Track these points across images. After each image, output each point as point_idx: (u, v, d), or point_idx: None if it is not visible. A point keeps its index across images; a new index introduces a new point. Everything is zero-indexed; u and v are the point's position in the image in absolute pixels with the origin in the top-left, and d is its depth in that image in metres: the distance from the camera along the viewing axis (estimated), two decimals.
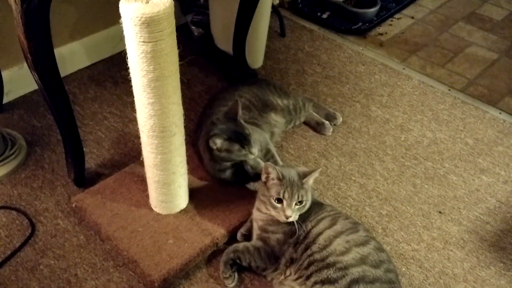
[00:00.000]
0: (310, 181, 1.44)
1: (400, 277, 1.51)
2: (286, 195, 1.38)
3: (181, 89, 1.38)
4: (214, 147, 1.60)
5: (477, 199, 1.78)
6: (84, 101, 2.07)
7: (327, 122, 2.01)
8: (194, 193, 1.66)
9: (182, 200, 1.61)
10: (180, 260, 1.46)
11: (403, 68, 2.39)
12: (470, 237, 1.66)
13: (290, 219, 1.39)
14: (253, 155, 1.61)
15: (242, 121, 1.64)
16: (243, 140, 1.59)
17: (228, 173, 1.68)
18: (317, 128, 2.01)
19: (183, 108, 1.43)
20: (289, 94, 2.01)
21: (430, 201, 1.76)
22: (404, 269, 1.55)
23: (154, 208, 1.61)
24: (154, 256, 1.46)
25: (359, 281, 1.28)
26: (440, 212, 1.73)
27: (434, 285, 1.51)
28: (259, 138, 1.70)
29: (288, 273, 1.41)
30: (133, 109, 1.40)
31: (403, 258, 1.58)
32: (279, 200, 1.40)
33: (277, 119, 1.92)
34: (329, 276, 1.31)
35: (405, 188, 1.80)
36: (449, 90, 2.28)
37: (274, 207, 1.40)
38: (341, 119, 2.04)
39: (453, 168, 1.89)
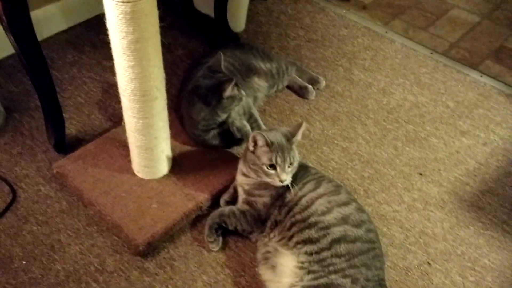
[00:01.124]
0: (298, 137, 1.44)
1: (381, 237, 1.54)
2: (279, 160, 1.38)
3: (162, 52, 1.36)
4: (228, 95, 1.59)
5: (457, 161, 1.81)
6: (62, 66, 2.03)
7: (310, 86, 2.00)
8: (177, 158, 1.66)
9: (165, 165, 1.60)
10: (164, 224, 1.47)
11: (386, 32, 2.38)
12: (450, 198, 1.69)
13: (286, 182, 1.40)
14: (245, 96, 1.65)
15: (226, 72, 1.64)
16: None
17: (212, 136, 1.67)
18: (300, 92, 2.00)
19: (165, 72, 1.41)
20: (272, 58, 1.99)
21: (411, 163, 1.79)
22: (385, 229, 1.58)
23: (137, 173, 1.60)
24: (138, 221, 1.46)
25: (341, 240, 1.30)
26: (420, 174, 1.76)
27: (415, 244, 1.55)
28: (242, 102, 1.69)
29: (272, 235, 1.42)
30: (113, 74, 1.37)
31: (384, 219, 1.61)
32: (272, 166, 1.40)
33: (260, 83, 1.90)
34: (311, 236, 1.33)
35: (387, 151, 1.82)
36: (431, 53, 2.28)
37: (268, 174, 1.40)
38: (324, 83, 2.03)
39: (434, 130, 1.91)
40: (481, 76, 2.18)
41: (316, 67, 2.15)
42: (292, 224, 1.37)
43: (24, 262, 1.41)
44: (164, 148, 1.56)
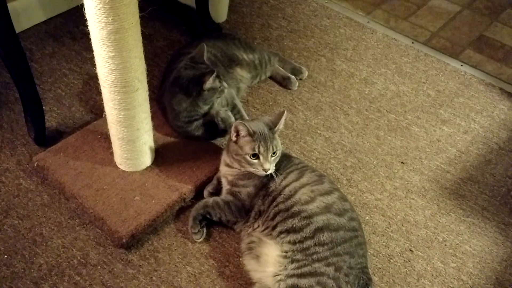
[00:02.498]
0: (280, 126, 1.43)
1: (364, 226, 1.56)
2: (262, 149, 1.38)
3: (143, 43, 1.34)
4: (208, 86, 1.58)
5: (438, 149, 1.83)
6: (41, 58, 1.99)
7: (293, 76, 2.00)
8: (160, 150, 1.65)
9: (147, 157, 1.59)
10: (148, 216, 1.46)
11: (368, 22, 2.38)
12: (431, 185, 1.71)
13: (269, 172, 1.40)
14: (227, 88, 1.65)
15: (208, 63, 1.64)
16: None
17: (194, 127, 1.67)
18: (283, 82, 2.00)
19: (146, 64, 1.40)
20: (254, 48, 1.98)
21: (393, 152, 1.80)
22: (367, 217, 1.59)
23: (119, 166, 1.59)
24: (121, 213, 1.46)
25: (324, 229, 1.31)
26: (402, 162, 1.77)
27: (397, 232, 1.56)
28: (224, 93, 1.68)
29: (256, 225, 1.43)
30: (94, 65, 1.36)
31: (366, 207, 1.62)
32: (255, 156, 1.39)
33: (242, 74, 1.90)
34: (294, 225, 1.33)
35: (369, 140, 1.83)
36: (412, 43, 2.29)
37: (251, 164, 1.40)
38: (306, 73, 2.03)
39: (415, 119, 1.93)
40: (461, 65, 2.20)
41: (299, 57, 2.15)
42: (276, 214, 1.38)
43: (5, 257, 1.40)
44: (146, 140, 1.55)
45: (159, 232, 1.49)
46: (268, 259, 1.34)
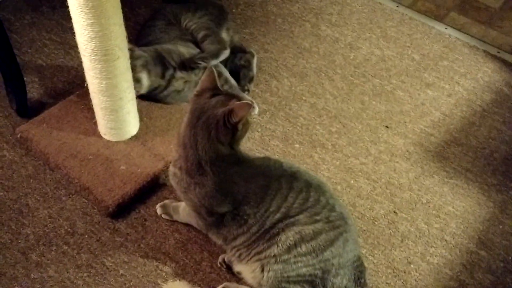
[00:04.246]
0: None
1: (348, 190, 1.58)
2: None
3: (124, 11, 1.32)
4: None
5: (422, 112, 1.84)
6: (20, 28, 1.95)
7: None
8: (144, 119, 1.64)
9: (132, 126, 1.58)
10: (134, 185, 1.46)
11: None
12: (415, 149, 1.73)
13: None
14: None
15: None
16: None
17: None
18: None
19: (126, 31, 1.38)
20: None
21: (378, 116, 1.81)
22: (352, 181, 1.61)
23: (103, 136, 1.58)
24: (106, 183, 1.46)
25: (297, 244, 1.18)
26: (387, 126, 1.78)
27: (381, 195, 1.59)
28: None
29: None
30: (74, 35, 1.33)
31: (351, 172, 1.64)
32: None
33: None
34: (262, 251, 1.23)
35: (354, 106, 1.84)
36: (397, 6, 2.28)
37: None
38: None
39: (400, 84, 1.93)
40: (446, 28, 2.19)
41: (283, 23, 2.12)
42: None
43: None
44: (130, 109, 1.53)
45: (145, 200, 1.50)
46: (247, 276, 1.29)
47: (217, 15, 1.90)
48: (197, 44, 1.79)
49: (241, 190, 1.20)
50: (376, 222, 1.52)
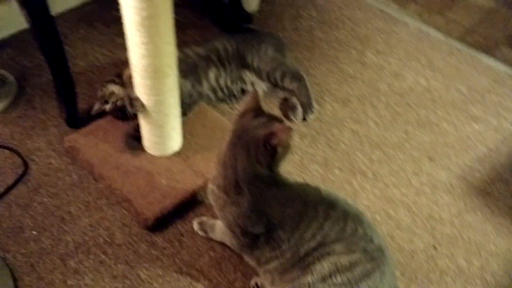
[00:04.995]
0: None
1: (388, 220, 1.55)
2: None
3: (174, 30, 1.36)
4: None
5: (467, 146, 1.80)
6: (74, 42, 2.03)
7: (300, 108, 1.82)
8: (187, 136, 1.67)
9: (175, 142, 1.61)
10: (173, 200, 1.48)
11: (401, 15, 2.35)
12: (459, 183, 1.69)
13: None
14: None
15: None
16: None
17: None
18: (285, 109, 1.85)
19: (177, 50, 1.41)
20: (273, 59, 1.84)
21: (421, 147, 1.78)
22: (392, 212, 1.58)
23: (147, 150, 1.61)
24: (147, 196, 1.48)
25: (332, 275, 1.15)
26: (430, 158, 1.75)
27: (421, 228, 1.55)
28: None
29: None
30: (125, 51, 1.37)
31: (391, 202, 1.61)
32: None
33: (253, 79, 1.84)
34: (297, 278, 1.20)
35: (397, 135, 1.82)
36: (445, 37, 2.26)
37: None
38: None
39: (445, 115, 1.90)
40: (495, 62, 2.15)
41: (329, 49, 2.13)
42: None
43: (34, 232, 1.44)
44: (174, 126, 1.57)
45: (183, 216, 1.51)
46: None
47: (277, 44, 1.93)
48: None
49: (276, 213, 1.20)
50: (414, 256, 1.48)
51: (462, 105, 1.95)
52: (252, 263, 1.31)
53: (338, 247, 1.16)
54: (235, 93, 1.82)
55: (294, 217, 1.19)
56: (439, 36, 2.26)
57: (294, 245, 1.18)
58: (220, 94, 1.80)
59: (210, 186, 1.28)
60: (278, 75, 1.81)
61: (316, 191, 1.24)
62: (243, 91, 1.83)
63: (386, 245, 1.23)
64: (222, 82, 1.78)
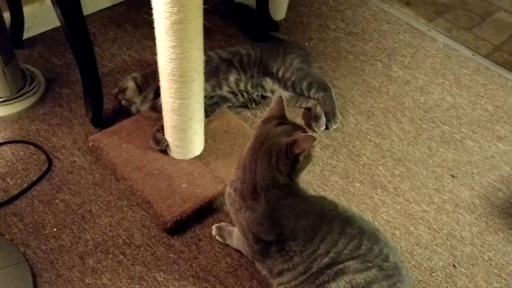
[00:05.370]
0: None
1: (407, 236, 1.54)
2: None
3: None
4: None
5: (492, 165, 1.78)
6: (103, 42, 2.06)
7: (324, 118, 1.81)
8: (209, 141, 1.68)
9: (197, 146, 1.62)
10: (193, 204, 1.49)
11: (429, 30, 2.34)
12: (481, 202, 1.66)
13: None
14: None
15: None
16: None
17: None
18: (308, 120, 1.85)
19: None
20: (300, 69, 1.85)
21: (444, 164, 1.76)
22: (412, 228, 1.56)
23: (169, 153, 1.62)
24: (167, 199, 1.49)
25: None
26: (453, 176, 1.73)
27: (441, 246, 1.53)
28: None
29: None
30: (152, 54, 1.40)
31: (412, 218, 1.59)
32: None
33: (274, 87, 1.85)
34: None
35: (420, 150, 1.80)
36: (473, 55, 2.23)
37: None
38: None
39: (470, 133, 1.88)
40: None
41: (354, 60, 2.13)
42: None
43: (55, 229, 1.46)
44: (197, 130, 1.57)
45: (202, 220, 1.52)
46: None
47: (303, 54, 1.95)
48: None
49: (290, 223, 1.19)
50: (433, 274, 1.46)
51: (488, 124, 1.92)
52: (263, 272, 1.31)
53: (352, 263, 1.14)
54: (255, 98, 1.83)
55: (308, 230, 1.17)
56: (466, 53, 2.24)
57: (306, 259, 1.17)
58: (240, 98, 1.81)
59: (228, 189, 1.28)
60: (304, 85, 1.83)
61: (333, 206, 1.22)
62: (263, 97, 1.84)
63: (403, 263, 1.21)
64: (242, 86, 1.80)
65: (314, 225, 1.17)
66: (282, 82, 1.84)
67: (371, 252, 1.15)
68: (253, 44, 1.89)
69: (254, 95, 1.82)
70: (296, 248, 1.18)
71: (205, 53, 1.68)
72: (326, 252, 1.15)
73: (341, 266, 1.14)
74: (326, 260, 1.15)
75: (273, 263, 1.24)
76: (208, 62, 1.74)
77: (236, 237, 1.41)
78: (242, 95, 1.81)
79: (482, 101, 2.01)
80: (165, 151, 1.62)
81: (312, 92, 1.84)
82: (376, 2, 2.46)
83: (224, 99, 1.77)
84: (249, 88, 1.81)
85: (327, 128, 1.82)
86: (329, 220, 1.18)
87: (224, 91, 1.77)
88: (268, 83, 1.84)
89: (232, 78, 1.78)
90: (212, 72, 1.74)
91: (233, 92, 1.79)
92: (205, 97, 1.61)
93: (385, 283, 1.14)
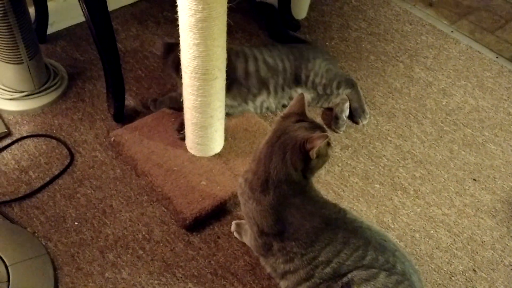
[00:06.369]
0: None
1: (427, 240, 1.52)
2: None
3: None
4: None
5: None
6: (125, 39, 2.08)
7: (344, 118, 1.82)
8: (229, 139, 1.68)
9: (217, 144, 1.63)
10: (212, 202, 1.49)
11: (452, 31, 2.31)
12: (503, 207, 1.64)
13: None
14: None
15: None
16: None
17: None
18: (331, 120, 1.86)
19: None
20: (328, 70, 1.85)
21: (466, 168, 1.74)
22: (432, 231, 1.55)
23: (189, 150, 1.63)
24: (187, 195, 1.50)
25: None
26: (474, 179, 1.71)
27: (461, 250, 1.51)
28: None
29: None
30: None
31: (432, 221, 1.58)
32: None
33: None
34: None
35: (441, 153, 1.78)
36: (497, 57, 2.20)
37: None
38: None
39: (493, 137, 1.85)
40: None
41: (376, 61, 2.11)
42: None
43: (76, 223, 1.47)
44: (218, 128, 1.58)
45: (221, 218, 1.52)
46: None
47: (328, 57, 1.94)
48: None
49: (294, 223, 1.18)
50: (453, 278, 1.45)
51: (511, 128, 1.90)
52: (268, 270, 1.32)
53: (357, 275, 1.12)
54: (277, 110, 1.85)
55: (310, 233, 1.17)
56: (490, 55, 2.21)
57: (307, 265, 1.17)
58: (262, 112, 1.83)
59: (240, 180, 1.28)
60: (334, 85, 1.84)
61: (342, 214, 1.21)
62: (284, 106, 1.84)
63: (414, 269, 1.19)
64: (265, 105, 1.81)
65: (317, 229, 1.17)
66: (312, 87, 1.84)
67: (376, 262, 1.13)
68: (286, 52, 1.83)
69: (277, 109, 1.84)
70: (297, 250, 1.18)
71: (246, 67, 1.72)
72: (328, 261, 1.15)
73: (345, 279, 1.13)
74: (328, 270, 1.15)
75: (275, 262, 1.25)
76: (245, 78, 1.73)
77: (247, 233, 1.42)
78: (263, 111, 1.83)
79: (505, 104, 1.99)
80: (185, 148, 1.62)
81: (341, 90, 1.85)
82: (398, 3, 2.44)
83: (245, 110, 1.80)
84: (272, 106, 1.82)
85: (357, 123, 1.84)
86: (334, 227, 1.17)
87: (249, 107, 1.79)
88: (298, 91, 1.83)
89: (259, 99, 1.79)
90: (242, 93, 1.75)
91: (255, 109, 1.81)
92: (227, 108, 1.64)
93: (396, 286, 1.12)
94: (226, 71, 1.46)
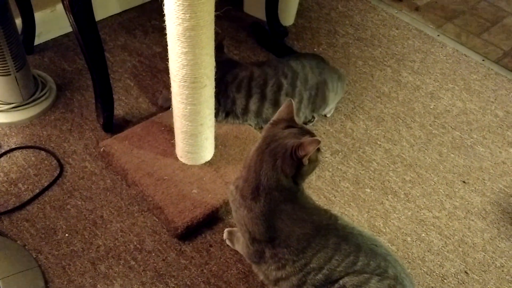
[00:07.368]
0: None
1: (419, 243, 1.53)
2: None
3: None
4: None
5: (503, 171, 1.77)
6: (113, 48, 2.07)
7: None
8: (219, 146, 1.68)
9: (207, 152, 1.62)
10: (204, 210, 1.49)
11: (438, 35, 2.33)
12: (493, 208, 1.65)
13: None
14: None
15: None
16: None
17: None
18: None
19: None
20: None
21: (455, 170, 1.76)
22: (423, 234, 1.56)
23: (179, 158, 1.63)
24: (178, 204, 1.49)
25: None
26: (464, 182, 1.72)
27: (453, 252, 1.52)
28: None
29: None
30: (162, 60, 1.40)
31: (423, 224, 1.59)
32: None
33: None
34: None
35: (431, 156, 1.79)
36: (483, 60, 2.23)
37: None
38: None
39: (481, 139, 1.87)
40: None
41: (364, 66, 2.13)
42: None
43: (66, 235, 1.46)
44: (208, 136, 1.58)
45: (213, 226, 1.52)
46: None
47: (320, 60, 1.93)
48: None
49: (285, 229, 1.18)
50: (445, 280, 1.45)
51: (498, 130, 1.91)
52: (261, 278, 1.31)
53: (349, 281, 1.12)
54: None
55: (301, 239, 1.17)
56: (476, 58, 2.23)
57: (299, 272, 1.17)
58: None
59: (231, 187, 1.27)
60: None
61: (333, 220, 1.21)
62: None
63: (406, 274, 1.19)
64: (261, 119, 1.79)
65: (308, 235, 1.16)
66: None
67: (368, 267, 1.13)
68: (283, 69, 1.78)
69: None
70: (288, 257, 1.18)
71: (250, 89, 1.74)
72: (319, 267, 1.14)
73: (337, 285, 1.12)
74: (320, 276, 1.14)
75: (267, 269, 1.24)
76: (246, 105, 1.74)
77: (240, 240, 1.41)
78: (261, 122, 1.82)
79: (493, 106, 2.01)
80: (176, 157, 1.62)
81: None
82: (385, 8, 2.46)
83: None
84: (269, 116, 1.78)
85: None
86: (325, 233, 1.17)
87: (245, 122, 1.79)
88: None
89: (252, 119, 1.79)
90: (235, 115, 1.77)
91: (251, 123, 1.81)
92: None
93: None
94: None
